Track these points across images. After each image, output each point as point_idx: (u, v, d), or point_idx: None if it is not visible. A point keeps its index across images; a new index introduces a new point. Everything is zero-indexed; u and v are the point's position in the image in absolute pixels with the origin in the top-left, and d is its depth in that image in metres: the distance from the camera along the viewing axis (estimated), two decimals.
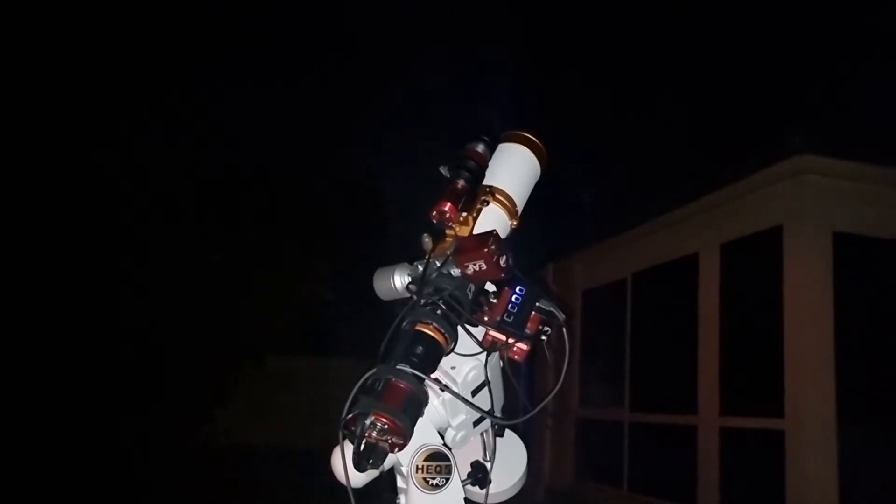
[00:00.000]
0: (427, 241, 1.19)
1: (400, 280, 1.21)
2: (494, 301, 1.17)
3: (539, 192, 1.37)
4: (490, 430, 1.25)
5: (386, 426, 1.02)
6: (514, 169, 1.32)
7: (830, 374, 5.14)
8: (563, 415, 8.50)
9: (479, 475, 1.22)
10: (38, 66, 9.24)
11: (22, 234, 9.12)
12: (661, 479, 6.82)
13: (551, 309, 1.16)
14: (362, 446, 1.03)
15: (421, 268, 1.19)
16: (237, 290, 10.59)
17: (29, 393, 8.82)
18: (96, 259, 9.50)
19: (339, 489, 1.14)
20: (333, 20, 11.64)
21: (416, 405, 1.06)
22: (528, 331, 1.14)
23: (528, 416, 1.18)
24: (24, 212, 9.13)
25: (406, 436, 1.04)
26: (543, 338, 1.15)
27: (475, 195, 1.24)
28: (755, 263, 5.94)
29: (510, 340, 1.13)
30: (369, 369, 1.09)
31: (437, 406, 1.18)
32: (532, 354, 1.16)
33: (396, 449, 1.05)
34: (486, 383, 1.21)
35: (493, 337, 1.14)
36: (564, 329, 1.17)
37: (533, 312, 1.15)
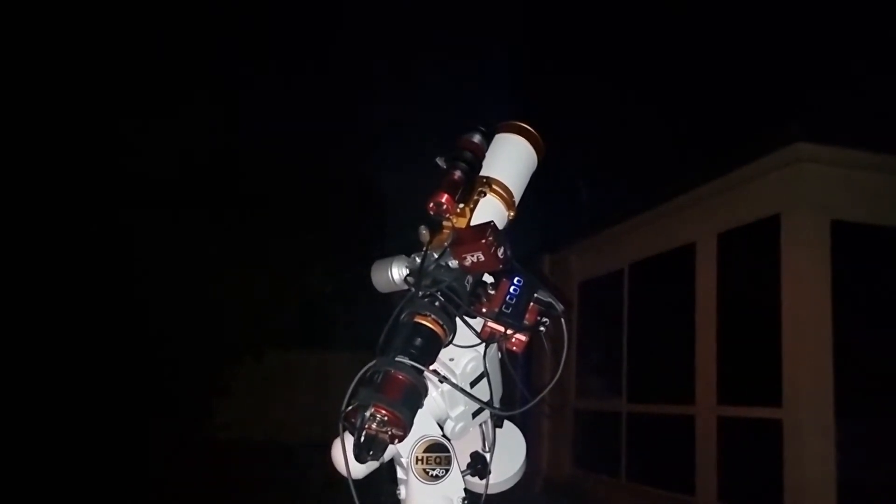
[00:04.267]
0: (424, 232, 1.19)
1: (398, 272, 1.21)
2: (492, 292, 1.17)
3: (535, 183, 1.36)
4: (489, 421, 1.25)
5: (386, 418, 1.03)
6: (511, 159, 1.31)
7: (828, 363, 5.14)
8: (561, 406, 8.52)
9: (478, 466, 1.22)
10: (36, 59, 9.19)
11: (22, 230, 9.10)
12: (660, 468, 6.85)
13: (550, 300, 1.16)
14: (362, 438, 1.03)
15: (419, 260, 1.18)
16: (235, 284, 10.58)
17: (29, 387, 8.82)
18: (96, 254, 9.49)
19: (337, 482, 1.14)
20: (333, 13, 11.58)
21: (415, 396, 1.06)
22: (526, 322, 1.14)
23: (526, 407, 1.18)
24: (23, 209, 9.11)
25: (406, 427, 1.05)
26: (542, 329, 1.15)
27: (472, 186, 1.24)
28: (753, 252, 5.94)
29: (509, 332, 1.13)
30: (368, 361, 1.09)
31: (436, 397, 1.18)
32: (530, 345, 1.16)
33: (396, 440, 1.06)
34: (484, 374, 1.21)
35: (492, 328, 1.14)
36: (563, 320, 1.17)
37: (531, 303, 1.15)
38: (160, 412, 9.65)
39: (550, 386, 1.18)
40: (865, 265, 5.35)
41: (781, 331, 5.38)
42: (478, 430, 1.28)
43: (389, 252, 1.25)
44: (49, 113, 9.18)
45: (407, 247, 1.23)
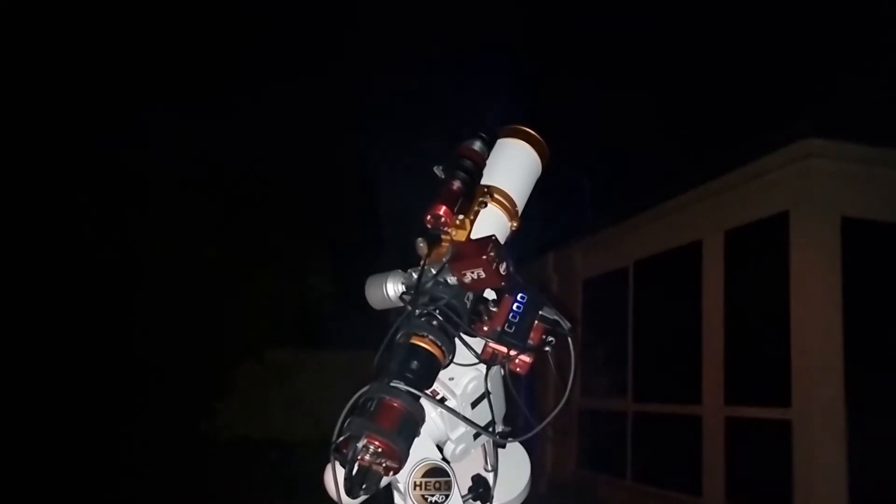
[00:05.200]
0: (422, 245, 1.12)
1: (393, 288, 1.15)
2: (494, 310, 1.10)
3: (538, 180, 1.30)
4: (491, 440, 1.19)
5: (380, 449, 0.97)
6: (513, 166, 1.25)
7: (839, 363, 5.07)
8: (566, 405, 8.44)
9: (480, 490, 1.17)
10: (41, 65, 9.20)
11: (26, 232, 9.11)
12: (666, 469, 6.79)
13: (555, 317, 1.09)
14: (355, 471, 0.97)
15: (415, 275, 1.12)
16: (236, 285, 10.61)
17: (32, 388, 8.84)
18: (98, 256, 9.51)
19: None
20: (337, 17, 11.56)
21: (411, 425, 1.00)
22: (530, 342, 1.07)
23: (529, 434, 1.12)
24: (26, 211, 9.12)
25: (401, 459, 0.99)
26: (547, 349, 1.08)
27: (473, 196, 1.17)
28: (761, 250, 5.86)
29: (512, 353, 1.07)
30: (369, 368, 1.04)
31: (435, 419, 1.12)
32: (535, 363, 1.09)
33: (391, 472, 1.00)
34: (486, 395, 1.14)
35: (494, 349, 1.08)
36: (569, 339, 1.10)
37: (536, 322, 1.08)
38: (162, 411, 9.67)
39: (556, 411, 1.12)
40: (876, 263, 5.26)
41: (790, 330, 5.31)
42: (479, 449, 1.22)
43: (389, 258, 1.19)
44: (48, 112, 9.17)
45: (406, 252, 1.17)
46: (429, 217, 1.12)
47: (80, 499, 7.07)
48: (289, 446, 9.24)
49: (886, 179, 5.46)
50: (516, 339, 1.06)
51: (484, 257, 1.04)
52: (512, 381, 1.14)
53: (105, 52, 9.41)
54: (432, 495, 1.05)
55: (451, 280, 1.09)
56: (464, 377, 1.13)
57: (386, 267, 1.20)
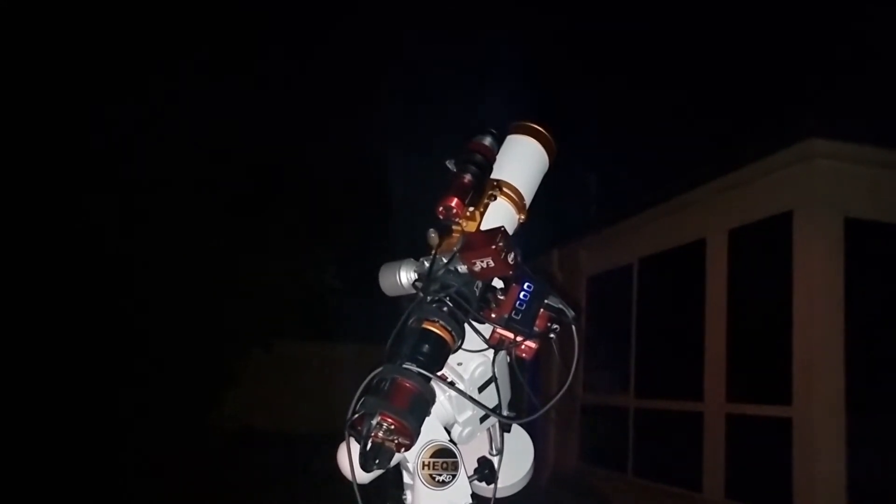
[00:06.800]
0: (433, 236, 1.17)
1: (406, 276, 1.20)
2: (502, 298, 1.15)
3: (544, 177, 1.34)
4: (497, 425, 1.24)
5: (392, 426, 1.01)
6: (522, 162, 1.29)
7: (840, 362, 5.10)
8: (568, 400, 8.51)
9: (485, 471, 1.21)
10: (36, 50, 9.20)
11: (35, 229, 9.14)
12: (667, 465, 6.83)
13: (560, 306, 1.14)
14: (368, 446, 1.02)
15: (427, 264, 1.17)
16: (245, 277, 10.64)
17: (41, 382, 8.90)
18: (107, 247, 9.55)
19: (341, 474, 1.13)
20: (345, 11, 11.54)
21: (422, 405, 1.05)
22: (536, 328, 1.12)
23: (535, 416, 1.17)
24: (29, 203, 9.14)
25: (413, 436, 1.03)
26: (552, 335, 1.13)
27: (482, 189, 1.22)
28: (764, 249, 5.89)
29: (518, 338, 1.12)
30: (376, 361, 1.09)
31: (443, 402, 1.17)
32: (540, 350, 1.15)
33: (403, 449, 1.05)
34: (493, 380, 1.19)
35: (501, 335, 1.13)
36: (574, 326, 1.15)
37: (541, 310, 1.13)
38: (169, 401, 9.73)
39: (559, 395, 1.17)
40: (879, 263, 5.28)
41: (792, 328, 5.33)
42: (485, 433, 1.26)
43: (398, 248, 1.24)
44: (49, 104, 9.17)
45: (415, 243, 1.22)
46: (441, 208, 1.17)
47: (87, 489, 7.13)
48: (294, 437, 9.30)
49: (890, 180, 5.47)
50: (523, 325, 1.11)
51: (493, 247, 1.09)
52: (518, 367, 1.19)
53: (106, 46, 9.41)
54: (440, 475, 1.10)
55: (462, 269, 1.14)
56: (471, 362, 1.18)
57: (397, 257, 1.25)
